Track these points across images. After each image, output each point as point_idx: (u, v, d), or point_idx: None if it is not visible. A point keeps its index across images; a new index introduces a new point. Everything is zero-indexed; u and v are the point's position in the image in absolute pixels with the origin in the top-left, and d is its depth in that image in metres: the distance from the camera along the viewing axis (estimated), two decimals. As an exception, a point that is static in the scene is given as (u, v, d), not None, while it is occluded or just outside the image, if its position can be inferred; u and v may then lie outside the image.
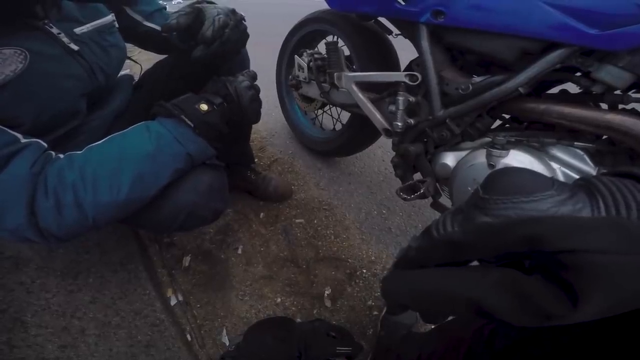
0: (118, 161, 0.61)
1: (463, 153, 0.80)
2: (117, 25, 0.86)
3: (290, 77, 1.37)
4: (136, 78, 1.06)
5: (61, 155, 0.62)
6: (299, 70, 1.27)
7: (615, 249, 0.16)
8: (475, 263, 0.22)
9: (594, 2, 0.57)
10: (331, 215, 1.31)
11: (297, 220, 1.28)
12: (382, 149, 1.61)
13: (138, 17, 0.94)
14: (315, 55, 1.19)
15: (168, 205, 0.70)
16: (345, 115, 1.36)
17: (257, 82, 0.83)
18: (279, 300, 1.03)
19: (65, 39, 0.69)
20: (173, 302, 0.99)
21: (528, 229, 0.18)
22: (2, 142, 0.56)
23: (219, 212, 0.82)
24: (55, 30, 0.68)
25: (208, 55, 0.76)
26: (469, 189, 0.78)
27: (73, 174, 0.58)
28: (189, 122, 0.66)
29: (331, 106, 1.38)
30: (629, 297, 0.17)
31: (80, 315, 0.90)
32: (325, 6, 1.10)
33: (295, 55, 1.27)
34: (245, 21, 0.83)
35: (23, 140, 0.59)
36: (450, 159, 0.83)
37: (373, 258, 1.16)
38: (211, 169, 0.75)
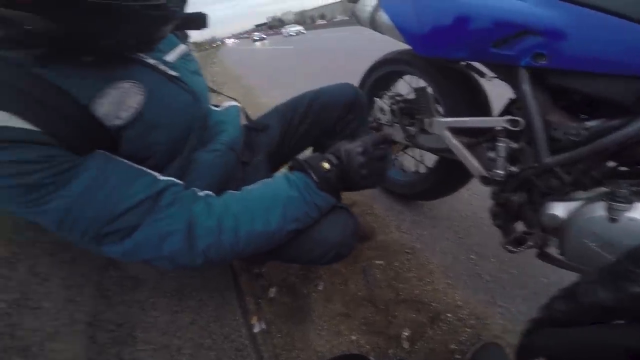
0: (271, 200, 0.71)
1: (576, 203, 0.73)
2: (193, 55, 0.90)
3: (370, 119, 1.39)
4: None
5: (211, 193, 0.72)
6: (380, 113, 1.30)
7: None
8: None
9: None
10: (413, 259, 1.30)
11: (377, 262, 1.30)
12: (470, 192, 1.56)
13: None
14: (397, 98, 1.21)
15: (321, 245, 0.80)
16: (428, 157, 1.36)
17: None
18: (354, 337, 1.04)
19: (162, 67, 0.73)
20: (256, 329, 1.07)
21: None
22: (147, 181, 0.63)
23: (353, 249, 0.90)
24: (152, 61, 0.71)
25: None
26: (586, 242, 0.70)
27: (238, 206, 0.69)
28: (314, 177, 0.74)
29: (413, 148, 1.35)
30: None
31: (180, 334, 1.03)
32: (401, 46, 1.11)
33: (376, 98, 1.31)
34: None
35: (160, 178, 0.65)
36: (560, 209, 0.76)
37: (460, 303, 1.10)
38: (350, 214, 0.86)
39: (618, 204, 0.64)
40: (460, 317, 1.06)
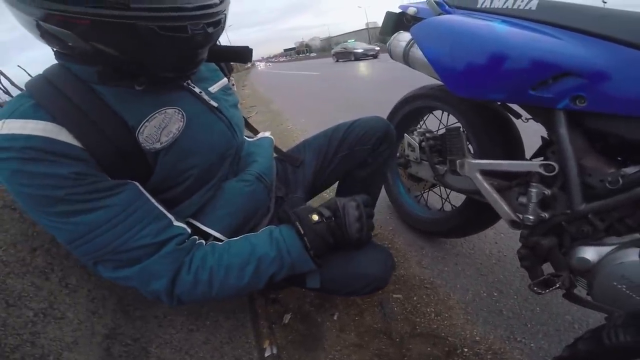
0: (248, 256, 0.73)
1: (607, 248, 0.73)
2: (233, 89, 0.95)
3: (397, 154, 1.41)
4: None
5: (203, 242, 0.75)
6: (408, 149, 1.30)
7: None
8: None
9: None
10: (433, 294, 1.28)
11: (395, 295, 1.29)
12: (494, 230, 1.54)
13: None
14: (427, 135, 1.21)
15: (363, 279, 0.86)
16: (454, 195, 1.36)
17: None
18: (366, 369, 1.02)
19: (205, 97, 0.78)
20: (267, 353, 1.08)
21: None
22: (162, 225, 0.67)
23: (388, 281, 0.93)
24: (197, 90, 0.77)
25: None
26: (616, 284, 0.70)
27: (213, 260, 0.71)
28: (300, 229, 0.76)
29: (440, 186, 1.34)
30: None
31: (193, 353, 1.05)
32: (431, 81, 1.14)
33: (405, 134, 1.31)
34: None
35: (175, 224, 0.70)
36: (590, 254, 0.75)
37: (477, 338, 1.08)
38: (387, 249, 0.94)
39: None
40: (477, 351, 1.03)
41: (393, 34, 1.26)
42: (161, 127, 0.68)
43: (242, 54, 0.83)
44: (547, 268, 0.84)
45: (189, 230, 0.73)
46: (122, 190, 0.63)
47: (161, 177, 0.70)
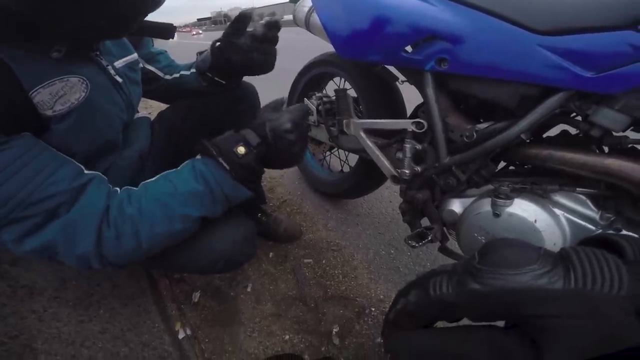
0: (172, 196, 0.68)
1: (469, 200, 0.85)
2: (141, 64, 0.98)
3: None
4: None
5: (118, 189, 0.69)
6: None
7: (573, 315, 0.22)
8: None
9: (589, 44, 0.62)
10: (339, 256, 1.39)
11: (306, 260, 1.36)
12: (389, 190, 1.71)
13: (154, 69, 1.10)
14: (324, 99, 1.27)
15: (209, 254, 0.81)
16: (353, 157, 1.45)
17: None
18: (287, 337, 1.08)
19: (112, 71, 0.79)
20: (181, 335, 1.04)
21: (508, 298, 0.23)
22: (73, 172, 0.63)
23: (251, 256, 0.93)
24: (104, 62, 0.77)
25: (245, 60, 0.93)
26: (476, 235, 0.81)
27: (132, 208, 0.66)
28: (226, 165, 0.69)
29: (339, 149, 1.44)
30: (586, 349, 0.22)
31: (90, 344, 0.96)
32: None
33: (305, 98, 1.36)
34: None
35: (86, 172, 0.66)
36: (457, 205, 0.87)
37: (381, 297, 1.22)
38: (244, 221, 0.86)
39: (500, 200, 0.74)
40: (382, 310, 1.16)
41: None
42: (58, 95, 0.64)
43: (165, 31, 0.87)
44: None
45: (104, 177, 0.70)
46: (18, 139, 0.58)
47: (55, 143, 0.66)
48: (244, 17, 0.94)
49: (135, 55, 0.91)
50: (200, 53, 1.05)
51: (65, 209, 0.61)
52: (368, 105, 1.20)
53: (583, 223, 0.72)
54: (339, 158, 1.63)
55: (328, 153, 1.64)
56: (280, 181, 1.79)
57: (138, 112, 1.05)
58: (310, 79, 1.51)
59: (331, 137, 1.28)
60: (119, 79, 0.81)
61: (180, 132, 1.10)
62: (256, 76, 1.04)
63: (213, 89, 1.08)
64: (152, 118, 1.15)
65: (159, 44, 1.16)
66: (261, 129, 0.71)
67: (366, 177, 1.40)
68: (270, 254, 1.38)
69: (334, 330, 1.10)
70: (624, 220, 0.69)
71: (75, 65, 0.68)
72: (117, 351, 0.96)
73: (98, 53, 0.76)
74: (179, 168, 0.73)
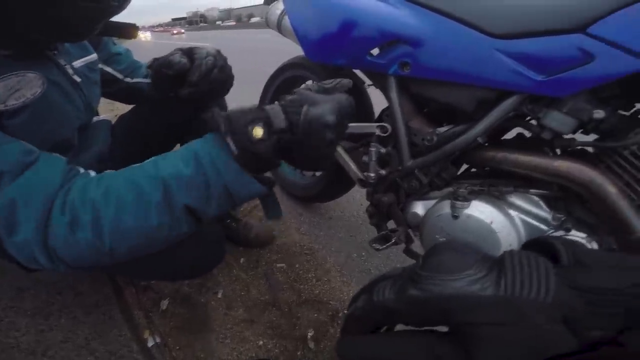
0: (150, 179, 0.53)
1: (431, 202, 0.87)
2: (100, 65, 0.95)
3: None
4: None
5: (92, 173, 0.59)
6: None
7: (502, 322, 0.22)
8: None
9: (541, 47, 0.65)
10: (312, 259, 1.39)
11: (279, 265, 1.35)
12: (360, 193, 1.73)
13: (113, 71, 1.06)
14: None
15: (172, 260, 0.78)
16: None
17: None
18: (261, 343, 1.06)
19: (70, 71, 0.78)
20: (150, 343, 1.00)
21: (444, 305, 0.23)
22: (25, 149, 0.55)
23: (218, 262, 0.90)
24: (62, 62, 0.76)
25: (195, 94, 0.84)
26: (437, 237, 0.83)
27: (97, 191, 0.52)
28: (233, 147, 0.51)
29: None
30: (514, 357, 0.22)
31: (52, 354, 0.91)
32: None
33: (276, 102, 1.38)
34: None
35: (43, 153, 0.58)
36: (420, 208, 0.89)
37: (355, 300, 1.23)
38: (210, 222, 0.83)
39: (458, 202, 0.77)
40: None
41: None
42: (13, 89, 0.63)
43: (128, 31, 0.84)
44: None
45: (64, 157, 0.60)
46: None
47: None
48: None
49: (94, 56, 0.90)
50: (156, 59, 0.93)
51: (6, 183, 0.51)
52: None
53: (536, 224, 0.75)
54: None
55: None
56: (251, 186, 1.77)
57: (98, 114, 1.02)
58: (283, 81, 1.51)
59: None
60: (78, 79, 0.80)
61: (143, 136, 1.08)
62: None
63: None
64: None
65: (132, 45, 1.13)
66: (293, 113, 0.53)
67: (337, 180, 1.42)
68: (241, 260, 1.36)
69: (309, 334, 1.10)
70: (574, 220, 0.73)
71: (31, 63, 0.67)
72: (81, 361, 0.92)
73: (56, 52, 0.75)
74: (165, 154, 0.58)
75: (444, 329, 0.25)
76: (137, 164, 0.57)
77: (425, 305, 0.24)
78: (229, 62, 0.94)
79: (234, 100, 1.02)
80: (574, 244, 0.26)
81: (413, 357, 0.25)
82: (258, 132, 0.50)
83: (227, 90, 0.94)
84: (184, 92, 0.85)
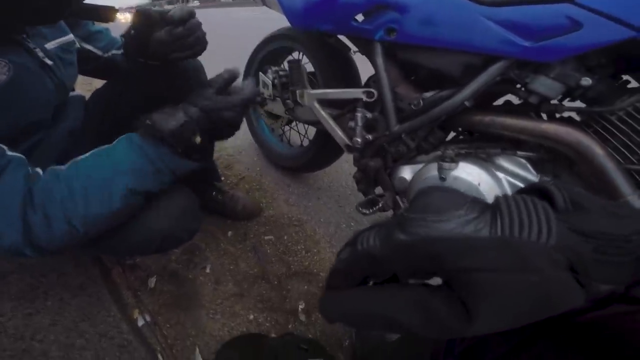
0: (109, 172, 0.65)
1: (419, 166, 0.88)
2: (76, 45, 0.94)
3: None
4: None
5: (39, 170, 0.65)
6: (263, 88, 1.35)
7: (502, 267, 0.19)
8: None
9: (529, 15, 0.66)
10: (301, 231, 1.39)
11: (267, 237, 1.35)
12: (349, 163, 1.72)
13: (93, 49, 1.04)
14: (280, 72, 1.27)
15: (143, 232, 0.76)
16: (313, 131, 1.45)
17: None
18: (251, 317, 1.08)
19: (40, 54, 0.77)
20: (140, 322, 1.01)
21: (431, 248, 0.20)
22: None
23: (194, 232, 0.89)
24: (32, 45, 0.75)
25: (172, 39, 0.81)
26: None
27: (60, 190, 0.62)
28: (172, 139, 0.67)
29: (298, 122, 1.47)
30: (518, 310, 0.19)
31: (41, 337, 0.91)
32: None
33: (260, 72, 1.36)
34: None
35: (9, 153, 0.63)
36: (407, 172, 0.91)
37: (344, 270, 1.25)
38: (180, 192, 0.82)
39: (445, 164, 0.78)
40: None
41: None
42: None
43: (105, 13, 0.84)
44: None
45: (24, 158, 0.66)
46: None
47: None
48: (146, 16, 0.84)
49: (70, 37, 0.90)
50: (123, 36, 0.95)
51: None
52: (324, 77, 1.22)
53: (523, 186, 0.76)
54: (299, 132, 1.61)
55: (287, 128, 1.63)
56: (238, 158, 1.74)
57: (74, 90, 1.03)
58: (268, 53, 1.50)
59: (287, 110, 1.29)
60: (49, 62, 0.79)
61: (116, 109, 1.06)
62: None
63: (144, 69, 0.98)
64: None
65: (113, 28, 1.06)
66: (202, 100, 0.71)
67: (324, 149, 1.40)
68: (229, 233, 1.36)
69: (300, 307, 1.11)
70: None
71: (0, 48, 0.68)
72: (71, 343, 0.93)
73: (25, 36, 0.74)
74: (112, 144, 0.70)
75: (438, 282, 0.23)
76: (83, 158, 0.68)
77: (413, 250, 0.21)
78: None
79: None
80: (568, 186, 0.23)
81: (403, 311, 0.22)
82: (180, 120, 0.67)
83: (199, 52, 0.90)
84: (161, 35, 0.82)
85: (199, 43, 0.86)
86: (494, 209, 0.21)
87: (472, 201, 0.22)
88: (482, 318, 0.19)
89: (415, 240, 0.21)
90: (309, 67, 1.25)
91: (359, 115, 0.93)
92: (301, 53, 1.32)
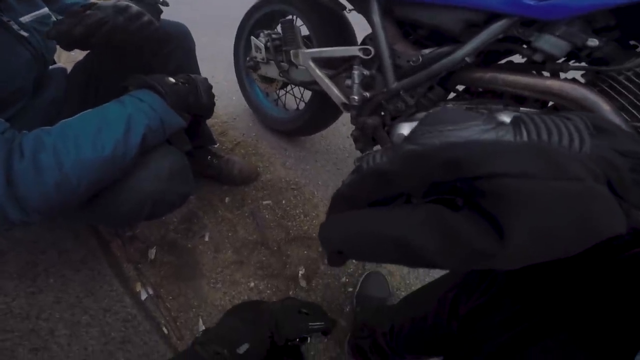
0: (99, 122, 0.68)
1: (417, 123, 0.88)
2: (52, 18, 0.93)
3: (247, 58, 1.41)
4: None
5: (25, 132, 0.66)
6: (256, 52, 1.32)
7: (535, 173, 0.16)
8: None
9: None
10: (299, 195, 1.39)
11: (265, 202, 1.35)
12: (347, 126, 1.68)
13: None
14: (273, 35, 1.24)
15: (132, 197, 0.75)
16: (308, 95, 1.41)
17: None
18: (252, 284, 1.11)
19: (15, 26, 0.79)
20: (144, 296, 1.04)
21: (447, 154, 0.18)
22: None
23: (186, 195, 0.86)
24: (5, 18, 0.77)
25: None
26: None
27: (52, 138, 0.63)
28: (161, 89, 0.76)
29: (293, 86, 1.44)
30: (558, 230, 0.16)
31: (46, 316, 0.94)
32: None
33: (252, 37, 1.32)
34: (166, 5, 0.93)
35: None
36: (406, 129, 0.90)
37: (344, 234, 1.26)
38: (169, 153, 0.79)
39: None
40: None
41: None
42: None
43: None
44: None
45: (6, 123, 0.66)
46: None
47: None
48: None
49: (45, 10, 0.91)
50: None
51: None
52: (319, 38, 1.19)
53: None
54: (294, 96, 1.57)
55: (283, 92, 1.59)
56: (232, 124, 1.69)
57: (55, 62, 1.04)
58: (260, 17, 1.43)
59: (281, 72, 1.26)
60: (25, 33, 0.81)
61: (98, 78, 1.05)
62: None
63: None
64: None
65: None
66: (184, 75, 0.86)
67: (321, 111, 1.37)
68: (226, 199, 1.36)
69: (300, 272, 1.14)
70: None
71: None
72: (77, 320, 0.95)
73: None
74: (99, 107, 0.73)
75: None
76: (74, 117, 0.69)
77: (427, 158, 0.19)
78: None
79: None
80: (590, 114, 0.20)
81: (415, 232, 0.19)
82: (171, 79, 0.80)
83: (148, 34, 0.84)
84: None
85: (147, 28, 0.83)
86: (515, 120, 0.20)
87: (488, 115, 0.21)
88: (517, 236, 0.16)
89: (428, 149, 0.19)
90: (304, 31, 1.21)
91: (355, 72, 0.94)
92: (294, 16, 1.26)
